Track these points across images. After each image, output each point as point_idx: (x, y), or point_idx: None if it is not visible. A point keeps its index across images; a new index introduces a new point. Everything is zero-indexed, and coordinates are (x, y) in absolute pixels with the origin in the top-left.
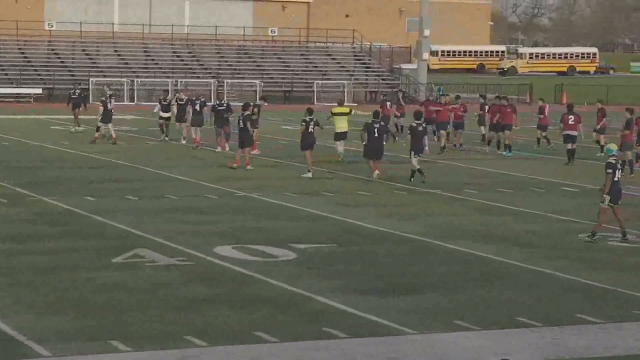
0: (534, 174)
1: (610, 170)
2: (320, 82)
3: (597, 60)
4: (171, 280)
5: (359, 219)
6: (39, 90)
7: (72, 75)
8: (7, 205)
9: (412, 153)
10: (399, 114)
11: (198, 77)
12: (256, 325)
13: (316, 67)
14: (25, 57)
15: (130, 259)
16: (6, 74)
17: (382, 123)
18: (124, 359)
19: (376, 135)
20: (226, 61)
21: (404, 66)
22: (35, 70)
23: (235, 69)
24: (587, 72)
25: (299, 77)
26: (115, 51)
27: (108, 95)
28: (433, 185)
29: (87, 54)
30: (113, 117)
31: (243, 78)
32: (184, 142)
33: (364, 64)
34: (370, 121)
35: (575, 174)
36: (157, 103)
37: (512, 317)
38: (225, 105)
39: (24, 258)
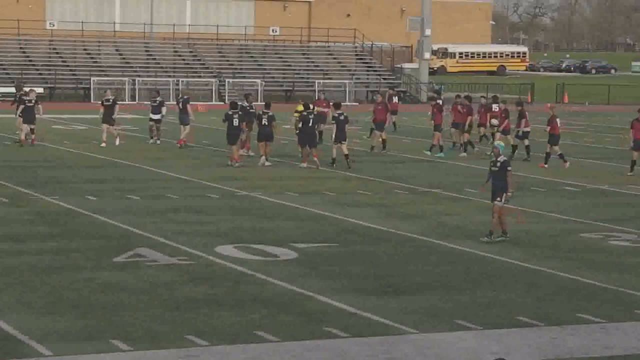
0: (535, 174)
1: (510, 168)
2: (321, 81)
3: (527, 60)
4: (172, 280)
5: (359, 219)
6: (41, 90)
7: (74, 75)
8: (8, 205)
9: (333, 139)
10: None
11: (199, 77)
12: (256, 325)
13: (317, 66)
14: (27, 57)
15: (131, 258)
16: (7, 73)
17: (315, 113)
18: (124, 358)
19: (310, 124)
20: (227, 60)
21: (405, 65)
22: (37, 69)
23: (236, 69)
24: (518, 71)
25: (300, 77)
26: (117, 50)
27: (36, 97)
28: (433, 185)
29: (88, 53)
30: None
31: (244, 77)
32: (103, 145)
33: (366, 63)
34: (305, 112)
35: (575, 174)
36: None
37: (512, 317)
38: (254, 108)
39: (24, 258)
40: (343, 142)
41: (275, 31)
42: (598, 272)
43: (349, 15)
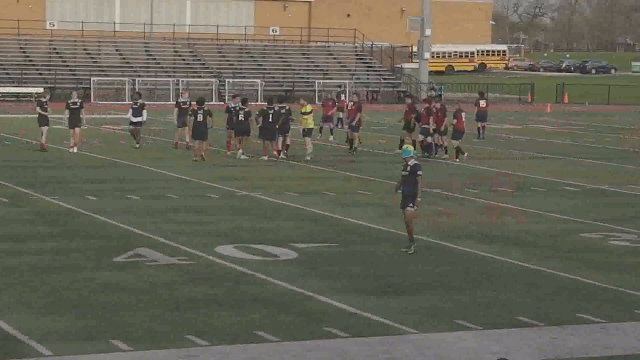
0: (535, 174)
1: (421, 173)
2: (321, 81)
3: (475, 60)
4: (172, 280)
5: (359, 219)
6: (41, 90)
7: (74, 75)
8: (8, 205)
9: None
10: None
11: (199, 77)
12: (256, 324)
13: (317, 66)
14: (27, 56)
15: (131, 258)
16: (7, 73)
17: (275, 109)
18: (124, 358)
19: (270, 120)
20: (227, 60)
21: (405, 65)
22: (37, 69)
23: (236, 69)
24: (466, 71)
25: (300, 77)
26: (117, 50)
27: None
28: (433, 185)
29: (88, 53)
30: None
31: (244, 77)
32: (74, 149)
33: (366, 63)
34: (265, 107)
35: (575, 174)
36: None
37: (512, 317)
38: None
39: (24, 258)
40: (284, 136)
41: (275, 31)
42: (598, 272)
43: (349, 15)
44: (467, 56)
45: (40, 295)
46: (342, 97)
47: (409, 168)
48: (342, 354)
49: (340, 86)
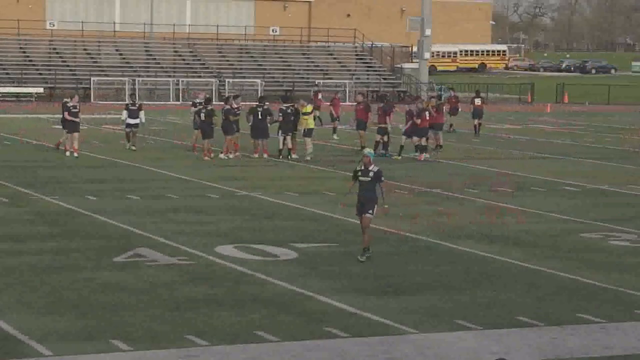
0: (535, 174)
1: (384, 179)
2: (321, 81)
3: (457, 60)
4: (172, 280)
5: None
6: (41, 90)
7: (74, 75)
8: (8, 205)
9: (280, 132)
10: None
11: (199, 77)
12: (256, 325)
13: (317, 66)
14: (27, 56)
15: (131, 258)
16: (7, 73)
17: (264, 107)
18: (124, 358)
19: (259, 117)
20: (227, 60)
21: (405, 65)
22: (37, 69)
23: (236, 69)
24: (449, 71)
25: (300, 77)
26: (117, 50)
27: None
28: (433, 185)
29: (88, 53)
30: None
31: (244, 77)
32: (75, 154)
33: (366, 63)
34: (255, 105)
35: (575, 174)
36: (124, 109)
37: (512, 317)
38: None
39: (24, 258)
40: (285, 135)
41: (275, 31)
42: (598, 272)
43: (349, 15)
44: (450, 56)
45: (40, 295)
46: (319, 96)
47: (371, 174)
48: (342, 354)
49: (316, 83)
